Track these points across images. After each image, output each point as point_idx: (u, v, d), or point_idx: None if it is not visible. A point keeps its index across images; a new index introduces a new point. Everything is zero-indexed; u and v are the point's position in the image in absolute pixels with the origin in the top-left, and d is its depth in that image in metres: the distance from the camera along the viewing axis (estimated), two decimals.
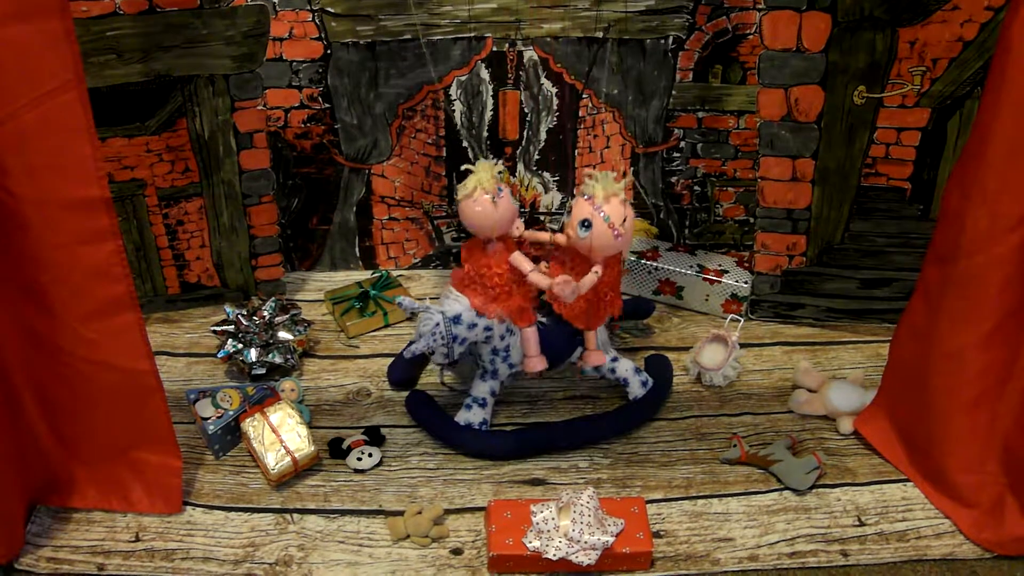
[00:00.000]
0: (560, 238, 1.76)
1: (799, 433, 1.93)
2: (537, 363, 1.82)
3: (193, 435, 1.89)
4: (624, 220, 1.66)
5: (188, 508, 1.74)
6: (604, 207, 1.65)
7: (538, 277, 1.71)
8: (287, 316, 2.06)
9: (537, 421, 1.95)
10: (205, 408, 1.86)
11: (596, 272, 1.71)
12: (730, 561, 1.66)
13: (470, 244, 1.77)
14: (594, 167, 2.30)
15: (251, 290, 2.27)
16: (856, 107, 1.95)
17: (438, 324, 1.72)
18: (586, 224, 1.66)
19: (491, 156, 2.26)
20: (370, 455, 1.84)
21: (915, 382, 1.74)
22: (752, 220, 2.33)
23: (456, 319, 1.73)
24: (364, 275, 2.38)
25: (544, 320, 1.83)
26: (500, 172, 1.69)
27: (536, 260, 1.79)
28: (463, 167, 1.72)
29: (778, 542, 1.70)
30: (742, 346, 2.14)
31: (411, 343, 1.74)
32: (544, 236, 1.79)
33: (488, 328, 1.77)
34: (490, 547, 1.61)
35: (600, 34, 2.11)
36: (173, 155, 2.05)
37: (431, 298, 1.81)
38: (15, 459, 1.60)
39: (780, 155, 2.03)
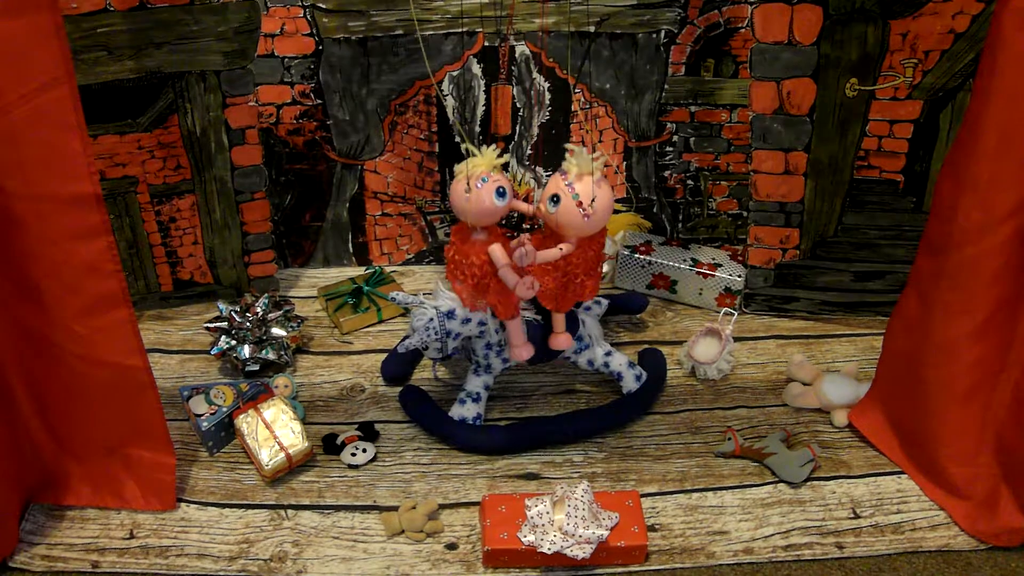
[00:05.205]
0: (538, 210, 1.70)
1: (793, 426, 1.93)
2: (523, 352, 1.79)
3: (187, 432, 1.89)
4: (593, 200, 1.61)
5: (182, 505, 1.73)
6: (575, 184, 1.61)
7: (507, 274, 1.62)
8: (280, 312, 2.06)
9: (531, 415, 1.95)
10: (199, 405, 1.86)
11: (560, 249, 1.66)
12: (725, 554, 1.67)
13: (459, 227, 1.70)
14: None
15: (244, 287, 2.27)
16: (848, 100, 1.95)
17: (432, 319, 1.72)
18: (555, 199, 1.63)
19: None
20: (364, 451, 1.84)
21: (909, 374, 1.74)
22: (745, 214, 2.33)
23: (450, 314, 1.72)
24: (357, 271, 2.37)
25: (538, 317, 1.82)
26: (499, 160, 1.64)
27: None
28: (464, 146, 1.66)
29: (773, 535, 1.70)
30: (736, 340, 2.14)
31: (405, 338, 1.73)
32: (524, 207, 1.71)
33: (482, 323, 1.77)
34: (485, 541, 1.61)
35: (592, 28, 2.11)
36: (165, 152, 2.05)
37: (425, 293, 1.78)
38: (9, 457, 1.60)
39: (773, 148, 2.03)
